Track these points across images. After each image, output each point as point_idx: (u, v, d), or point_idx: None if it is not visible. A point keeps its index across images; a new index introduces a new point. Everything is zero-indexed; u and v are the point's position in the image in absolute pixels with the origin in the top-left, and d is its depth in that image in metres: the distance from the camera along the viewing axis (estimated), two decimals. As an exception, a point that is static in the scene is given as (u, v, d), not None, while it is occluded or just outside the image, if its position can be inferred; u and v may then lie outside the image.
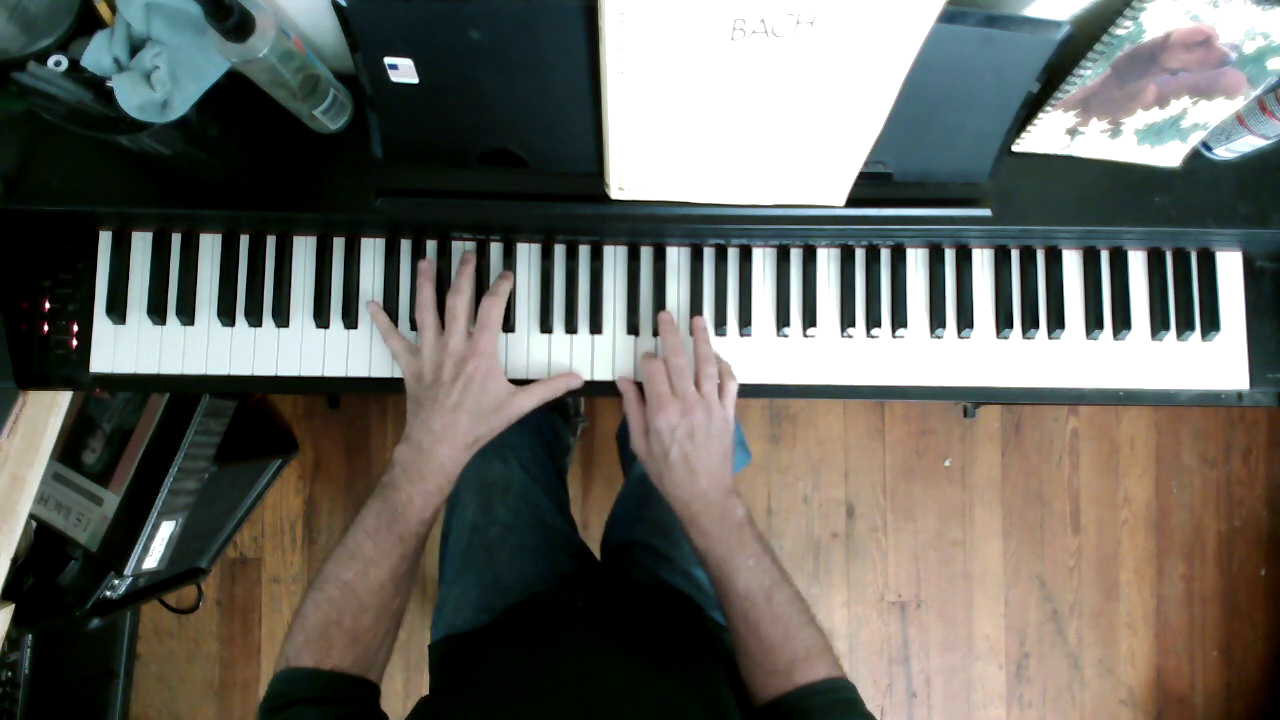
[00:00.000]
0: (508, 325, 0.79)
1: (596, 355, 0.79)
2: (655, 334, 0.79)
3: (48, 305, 0.77)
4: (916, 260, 0.81)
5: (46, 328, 0.77)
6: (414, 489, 0.68)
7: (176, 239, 0.79)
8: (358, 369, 0.79)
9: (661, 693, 0.63)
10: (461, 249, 0.80)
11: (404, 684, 1.64)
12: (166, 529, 1.23)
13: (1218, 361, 0.80)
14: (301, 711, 0.58)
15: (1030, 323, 0.80)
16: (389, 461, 0.71)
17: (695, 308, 0.79)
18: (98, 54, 0.60)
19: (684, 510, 0.70)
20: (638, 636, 0.72)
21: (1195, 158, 0.74)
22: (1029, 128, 0.71)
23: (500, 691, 0.62)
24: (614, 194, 0.71)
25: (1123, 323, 0.79)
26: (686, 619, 0.83)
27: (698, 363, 0.74)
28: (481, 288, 0.79)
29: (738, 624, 0.67)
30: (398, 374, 0.78)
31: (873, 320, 0.79)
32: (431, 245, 0.79)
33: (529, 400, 0.74)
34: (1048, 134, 0.71)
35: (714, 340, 0.79)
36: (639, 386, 0.76)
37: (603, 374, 0.79)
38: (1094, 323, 0.80)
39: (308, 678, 0.60)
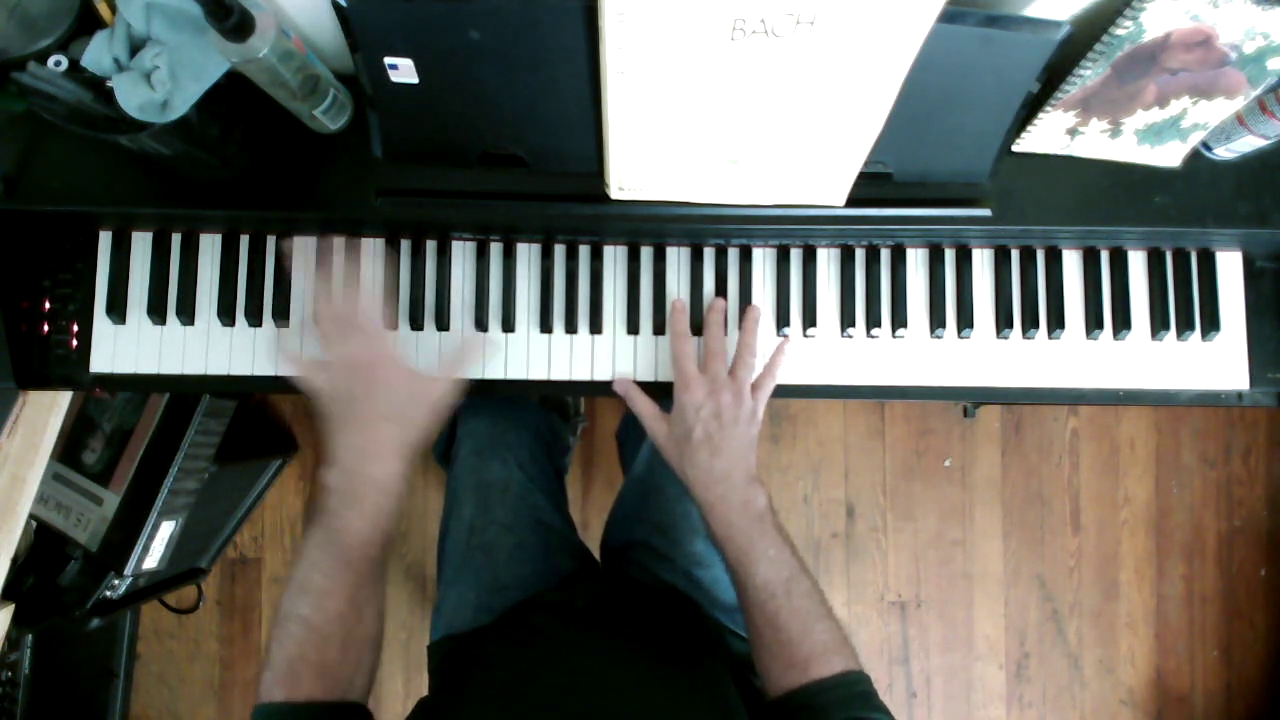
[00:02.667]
0: (508, 326, 0.79)
1: (597, 355, 0.79)
2: (655, 333, 0.79)
3: (48, 305, 0.77)
4: (916, 260, 0.81)
5: (46, 328, 0.77)
6: (351, 513, 0.63)
7: (176, 239, 0.79)
8: (358, 369, 0.78)
9: (667, 692, 0.63)
10: (462, 249, 0.80)
11: (404, 684, 1.64)
12: (166, 529, 1.23)
13: (1218, 361, 0.80)
14: None
15: (1030, 323, 0.80)
16: (323, 486, 0.65)
17: (695, 308, 0.79)
18: (98, 54, 0.60)
19: (704, 495, 0.69)
20: (640, 636, 0.72)
21: (1195, 158, 0.74)
22: (1029, 128, 0.71)
23: (503, 692, 0.62)
24: (614, 194, 0.71)
25: (1123, 323, 0.79)
26: (688, 618, 0.83)
27: (739, 350, 0.73)
28: (484, 286, 0.79)
29: (755, 615, 0.66)
30: (398, 374, 0.78)
31: (873, 320, 0.79)
32: (432, 245, 0.79)
33: (442, 383, 0.70)
34: (1048, 134, 0.71)
35: (714, 340, 0.79)
36: (637, 384, 0.76)
37: (603, 374, 0.79)
38: (1094, 323, 0.80)
39: (281, 713, 0.59)
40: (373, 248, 0.79)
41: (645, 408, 0.75)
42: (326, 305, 0.70)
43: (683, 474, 0.71)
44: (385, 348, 0.69)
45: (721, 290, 0.80)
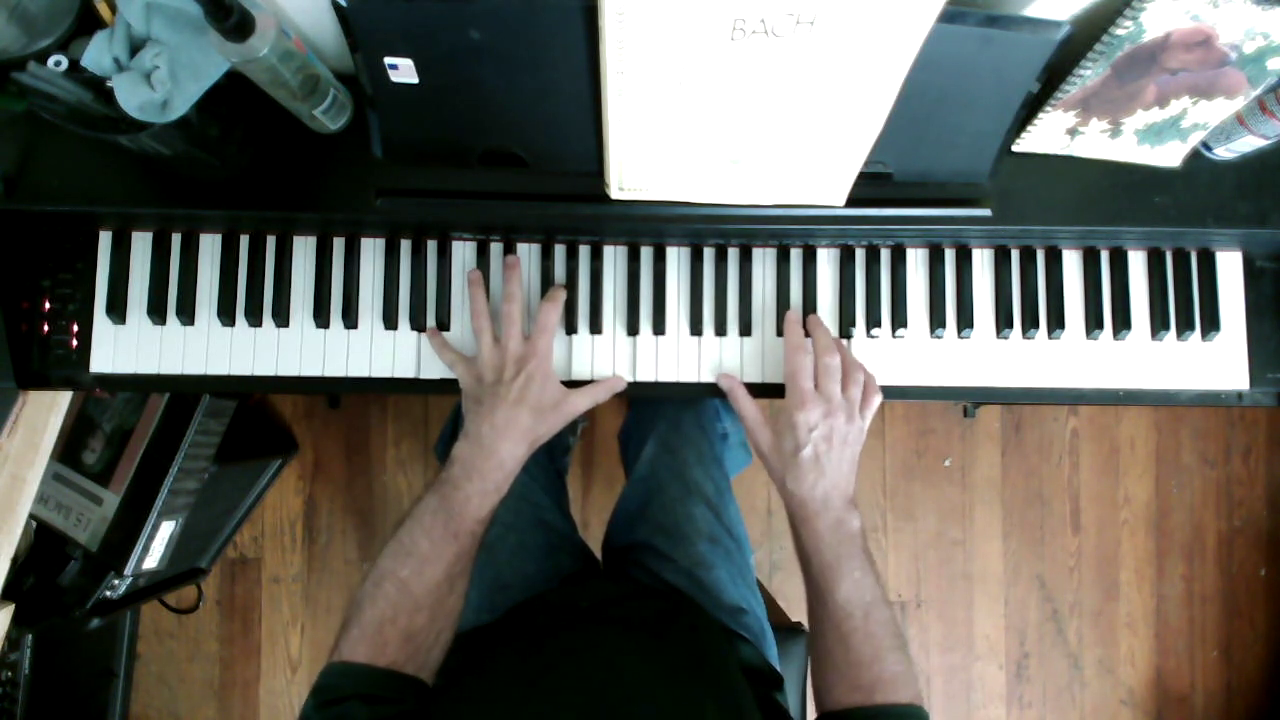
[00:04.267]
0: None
1: (596, 355, 0.79)
2: (655, 333, 0.79)
3: (48, 305, 0.77)
4: (916, 260, 0.81)
5: (46, 328, 0.77)
6: (472, 487, 0.67)
7: (176, 239, 0.79)
8: (358, 369, 0.78)
9: (677, 690, 0.63)
10: (462, 249, 0.80)
11: (404, 684, 1.64)
12: (166, 529, 1.23)
13: (1218, 361, 0.80)
14: (352, 708, 0.57)
15: (1030, 323, 0.80)
16: (449, 459, 0.70)
17: (695, 308, 0.79)
18: (98, 54, 0.60)
19: (800, 509, 0.69)
20: (645, 635, 0.72)
21: (1195, 158, 0.74)
22: (1029, 128, 0.71)
23: (511, 691, 0.62)
24: (614, 194, 0.71)
25: (1123, 323, 0.79)
26: (692, 618, 0.83)
27: (846, 368, 0.73)
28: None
29: (828, 632, 0.66)
30: (398, 374, 0.78)
31: (873, 320, 0.79)
32: (432, 245, 0.79)
33: (583, 401, 0.74)
34: (1048, 134, 0.71)
35: (713, 340, 0.79)
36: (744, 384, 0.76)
37: (603, 374, 0.79)
38: (1094, 323, 0.80)
39: (361, 674, 0.60)
40: (373, 248, 0.79)
41: (750, 411, 0.74)
42: (484, 305, 0.75)
43: (781, 485, 0.71)
44: (548, 350, 0.73)
45: (722, 290, 0.80)
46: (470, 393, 0.73)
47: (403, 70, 0.63)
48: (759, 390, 0.79)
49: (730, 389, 0.76)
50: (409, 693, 0.61)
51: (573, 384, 0.79)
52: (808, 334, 0.76)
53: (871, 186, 0.71)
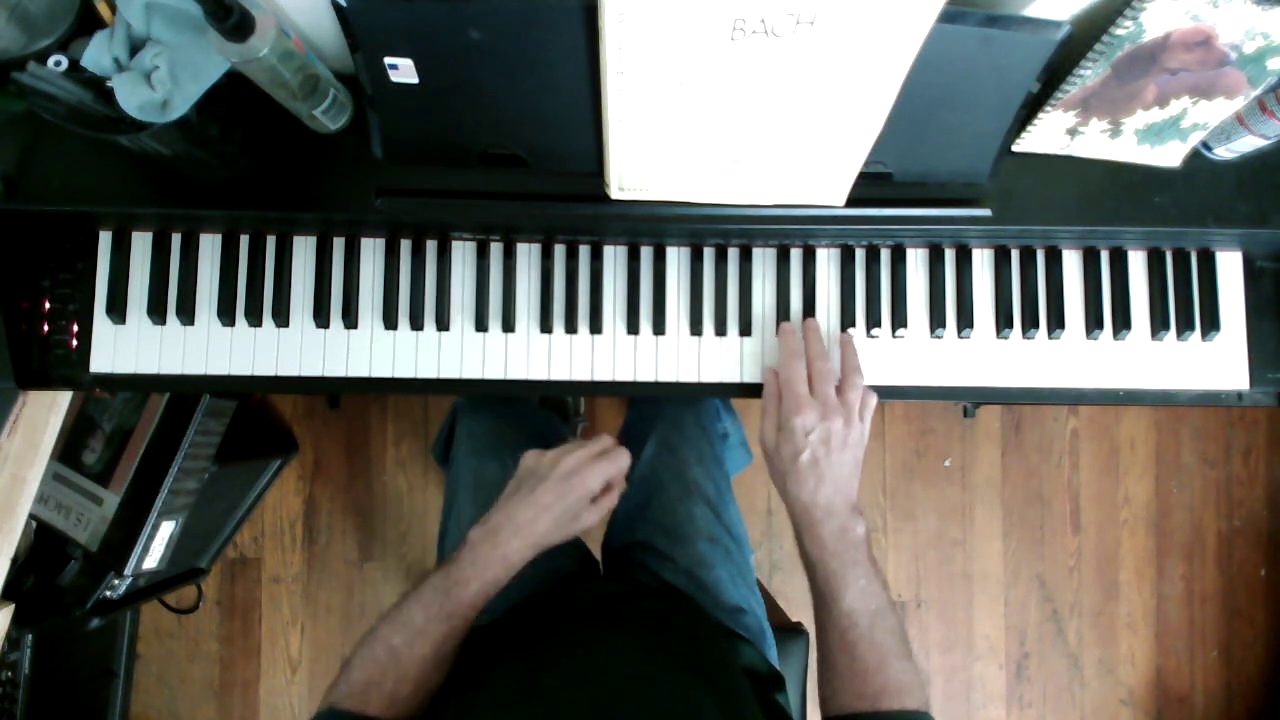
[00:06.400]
0: (508, 326, 0.79)
1: (596, 356, 0.79)
2: (655, 333, 0.79)
3: (48, 305, 0.77)
4: (916, 260, 0.81)
5: (46, 328, 0.77)
6: (474, 573, 0.69)
7: (176, 239, 0.79)
8: (358, 369, 0.79)
9: (675, 691, 0.63)
10: (462, 249, 0.79)
11: (404, 684, 1.64)
12: (166, 529, 1.23)
13: (1218, 361, 0.80)
14: None
15: (1030, 323, 0.80)
16: (462, 539, 0.72)
17: (695, 308, 0.79)
18: (98, 54, 0.60)
19: (803, 516, 0.69)
20: (646, 635, 0.72)
21: (1195, 158, 0.74)
22: (1029, 128, 0.71)
23: (513, 691, 0.62)
24: (614, 194, 0.71)
25: (1123, 323, 0.79)
26: (692, 618, 0.83)
27: (845, 371, 0.73)
28: (484, 286, 0.79)
29: (833, 640, 0.66)
30: (398, 374, 0.78)
31: (873, 320, 0.79)
32: (432, 245, 0.79)
33: (596, 515, 0.75)
34: (1048, 134, 0.71)
35: (713, 340, 0.79)
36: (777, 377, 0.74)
37: (602, 374, 0.79)
38: (1094, 323, 0.80)
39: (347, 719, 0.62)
40: (373, 248, 0.79)
41: (772, 415, 0.73)
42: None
43: (783, 491, 0.71)
44: (594, 479, 0.73)
45: (722, 290, 0.80)
46: (518, 475, 0.75)
47: (403, 70, 0.63)
48: (758, 391, 0.79)
49: (768, 383, 0.74)
50: None
51: (573, 385, 0.79)
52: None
53: (871, 186, 0.71)
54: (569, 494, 0.72)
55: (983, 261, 0.81)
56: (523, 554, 0.71)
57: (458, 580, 0.68)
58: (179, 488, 1.20)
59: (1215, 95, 0.66)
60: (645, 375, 0.79)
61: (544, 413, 1.16)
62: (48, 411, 0.83)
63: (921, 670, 1.65)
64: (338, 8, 0.59)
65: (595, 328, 0.79)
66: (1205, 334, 0.80)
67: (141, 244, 0.78)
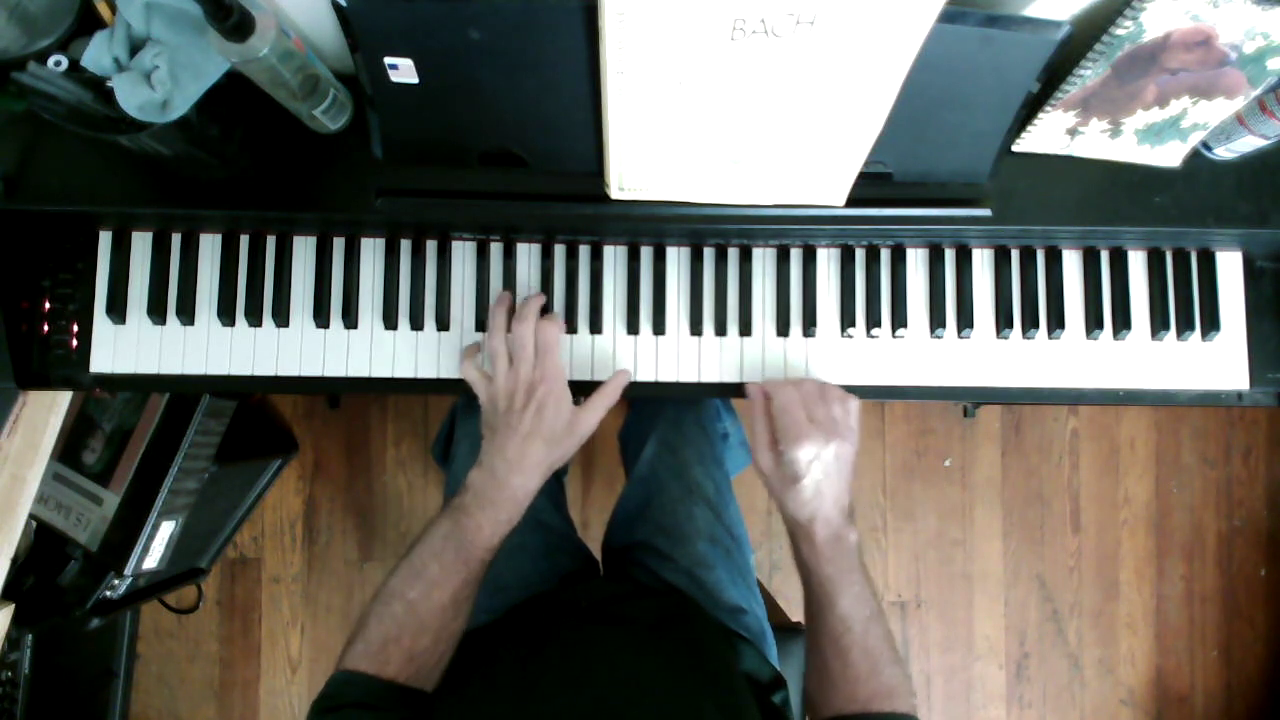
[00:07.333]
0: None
1: (596, 356, 0.79)
2: (655, 333, 0.79)
3: (48, 305, 0.77)
4: (916, 260, 0.81)
5: (46, 328, 0.77)
6: (484, 516, 0.68)
7: (176, 239, 0.79)
8: (358, 369, 0.79)
9: (674, 691, 0.63)
10: (462, 249, 0.80)
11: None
12: (166, 529, 1.23)
13: (1218, 361, 0.80)
14: (351, 715, 0.58)
15: (1030, 323, 0.80)
16: (463, 484, 0.70)
17: (695, 308, 0.79)
18: (98, 54, 0.60)
19: (800, 527, 0.69)
20: (645, 635, 0.72)
21: (1195, 158, 0.74)
22: (1029, 128, 0.71)
23: (514, 690, 0.62)
24: (614, 194, 0.71)
25: (1123, 323, 0.79)
26: (692, 618, 0.83)
27: (824, 388, 0.71)
28: (484, 286, 0.79)
29: (826, 645, 0.66)
30: (398, 374, 0.78)
31: (873, 320, 0.79)
32: (432, 245, 0.79)
33: (593, 415, 0.73)
34: (1048, 134, 0.71)
35: (713, 340, 0.79)
36: (767, 401, 0.72)
37: (602, 374, 0.79)
38: (1094, 323, 0.80)
39: (363, 683, 0.61)
40: (373, 248, 0.79)
41: (763, 435, 0.71)
42: (503, 326, 0.74)
43: (780, 504, 0.71)
44: (557, 371, 0.72)
45: (722, 290, 0.80)
46: (486, 419, 0.73)
47: (403, 70, 0.63)
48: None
49: (754, 399, 0.73)
50: (408, 704, 0.62)
51: (572, 386, 0.79)
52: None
53: (871, 186, 0.71)
54: (543, 411, 0.70)
55: (983, 261, 0.81)
56: (527, 486, 0.70)
57: (468, 526, 0.67)
58: (179, 488, 1.20)
59: (1215, 95, 0.66)
60: (645, 375, 0.79)
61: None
62: (48, 411, 0.83)
63: (916, 663, 1.65)
64: (338, 8, 0.59)
65: (595, 327, 0.79)
66: (1205, 334, 0.80)
67: (141, 244, 0.78)
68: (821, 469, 0.68)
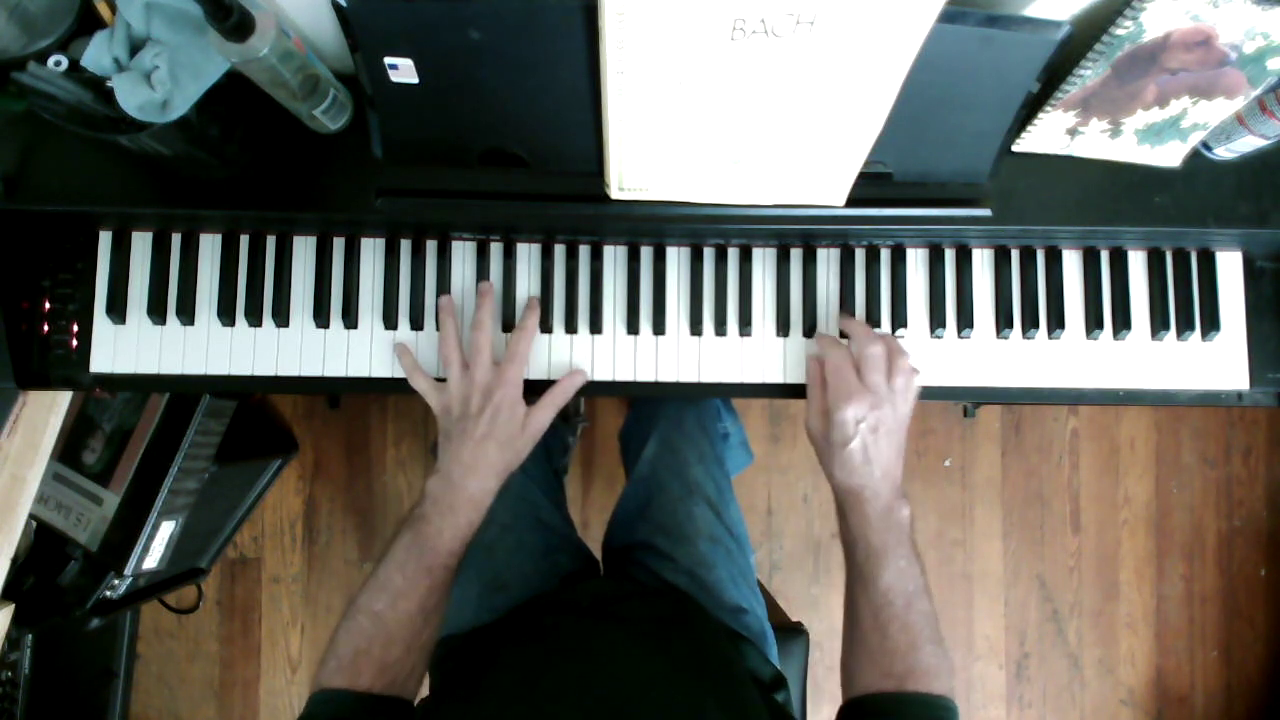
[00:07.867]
0: (508, 326, 0.79)
1: (596, 356, 0.79)
2: (655, 333, 0.79)
3: (48, 305, 0.77)
4: (916, 260, 0.81)
5: (46, 328, 0.77)
6: (444, 522, 0.68)
7: (176, 239, 0.79)
8: (358, 369, 0.79)
9: (676, 691, 0.63)
10: (462, 249, 0.80)
11: (404, 684, 1.64)
12: (166, 529, 1.23)
13: (1218, 361, 0.80)
14: None
15: (1030, 323, 0.80)
16: (421, 493, 0.71)
17: (695, 308, 0.79)
18: (98, 54, 0.60)
19: (848, 496, 0.68)
20: (647, 635, 0.72)
21: (1195, 158, 0.74)
22: (1029, 128, 0.71)
23: (518, 690, 0.62)
24: (614, 194, 0.71)
25: (1123, 323, 0.79)
26: (693, 618, 0.83)
27: (891, 356, 0.71)
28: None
29: (866, 618, 0.66)
30: (398, 374, 0.78)
31: (872, 320, 0.79)
32: (432, 245, 0.79)
33: (545, 415, 0.74)
34: (1048, 134, 0.71)
35: (713, 340, 0.79)
36: (821, 365, 0.73)
37: (603, 374, 0.79)
38: (1094, 323, 0.80)
39: (339, 699, 0.62)
40: (373, 248, 0.79)
41: (817, 401, 0.72)
42: (454, 333, 0.74)
43: (829, 474, 0.71)
44: (517, 378, 0.73)
45: (722, 290, 0.80)
46: (441, 426, 0.74)
47: (403, 70, 0.63)
48: (758, 390, 0.79)
49: (812, 371, 0.74)
50: (386, 713, 0.63)
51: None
52: (843, 334, 0.74)
53: (871, 186, 0.71)
54: (498, 415, 0.71)
55: (983, 261, 0.81)
56: (485, 488, 0.70)
57: (427, 533, 0.68)
58: (179, 488, 1.20)
59: (1215, 95, 0.66)
60: (645, 375, 0.79)
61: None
62: (48, 411, 0.83)
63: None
64: (338, 8, 0.59)
65: (595, 328, 0.79)
66: (1205, 334, 0.80)
67: (141, 244, 0.78)
68: (870, 431, 0.67)
